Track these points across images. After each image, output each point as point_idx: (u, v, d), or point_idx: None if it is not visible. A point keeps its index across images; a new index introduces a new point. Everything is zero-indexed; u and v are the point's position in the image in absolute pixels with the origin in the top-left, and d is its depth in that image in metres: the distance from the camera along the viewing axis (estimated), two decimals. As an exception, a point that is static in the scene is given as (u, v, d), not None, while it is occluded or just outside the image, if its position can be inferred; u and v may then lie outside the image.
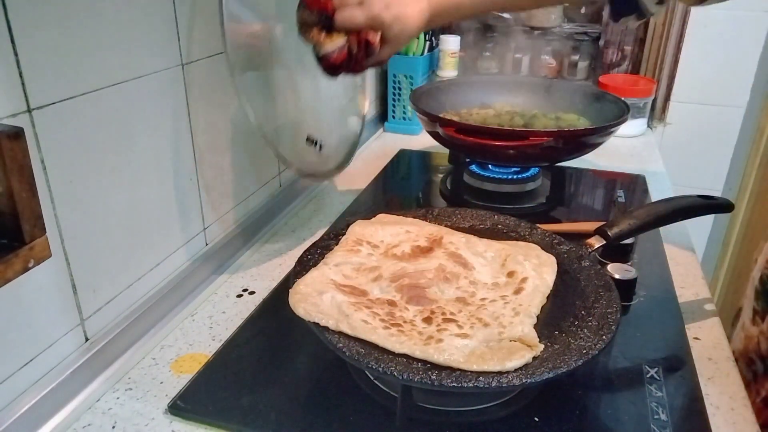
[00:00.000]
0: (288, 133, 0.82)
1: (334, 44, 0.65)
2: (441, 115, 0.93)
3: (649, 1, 0.70)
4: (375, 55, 0.68)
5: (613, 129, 0.88)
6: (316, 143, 0.82)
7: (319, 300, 0.53)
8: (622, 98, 0.98)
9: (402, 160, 1.16)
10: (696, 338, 0.64)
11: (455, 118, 0.98)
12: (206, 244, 0.75)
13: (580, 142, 0.89)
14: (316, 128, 0.85)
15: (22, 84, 0.46)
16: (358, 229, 0.66)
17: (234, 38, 0.67)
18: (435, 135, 0.93)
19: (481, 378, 0.45)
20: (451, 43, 1.30)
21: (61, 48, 0.49)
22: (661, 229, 0.82)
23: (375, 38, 0.66)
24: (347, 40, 0.66)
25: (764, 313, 0.62)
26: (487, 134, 0.85)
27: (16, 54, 0.45)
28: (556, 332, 0.52)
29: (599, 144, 0.91)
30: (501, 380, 0.45)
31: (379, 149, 1.21)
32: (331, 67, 0.67)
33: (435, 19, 0.72)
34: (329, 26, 0.66)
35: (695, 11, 1.28)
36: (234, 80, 0.65)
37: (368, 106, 0.91)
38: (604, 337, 0.50)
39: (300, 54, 0.72)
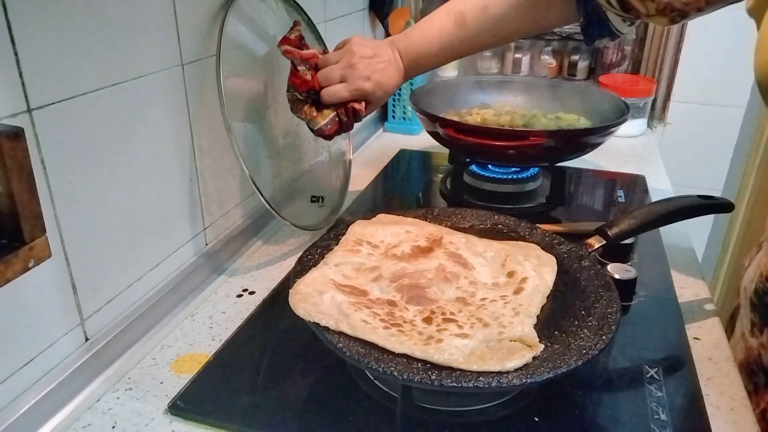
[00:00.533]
0: (287, 190, 0.88)
1: (326, 118, 0.74)
2: (441, 116, 0.93)
3: (619, 23, 0.72)
4: (362, 117, 0.76)
5: (613, 129, 0.88)
6: (320, 199, 0.88)
7: (319, 300, 0.53)
8: (622, 98, 0.98)
9: (402, 160, 1.16)
10: (696, 338, 0.64)
11: (455, 118, 0.98)
12: (206, 244, 0.75)
13: (580, 142, 0.89)
14: (314, 184, 0.92)
15: (22, 84, 0.46)
16: (358, 229, 0.66)
17: (231, 96, 0.71)
18: (435, 135, 0.93)
19: (481, 378, 0.45)
20: (451, 43, 1.30)
21: (61, 48, 0.49)
22: (661, 229, 0.82)
23: (360, 106, 0.75)
24: (336, 112, 0.74)
25: (762, 325, 0.62)
26: (486, 134, 0.85)
27: (16, 54, 0.45)
28: (556, 332, 0.52)
29: (599, 144, 0.91)
30: (501, 380, 0.45)
31: (379, 149, 1.21)
32: (326, 137, 0.76)
33: (410, 72, 0.79)
34: (317, 101, 0.74)
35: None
36: (231, 137, 0.68)
37: (352, 151, 0.99)
38: (604, 337, 0.50)
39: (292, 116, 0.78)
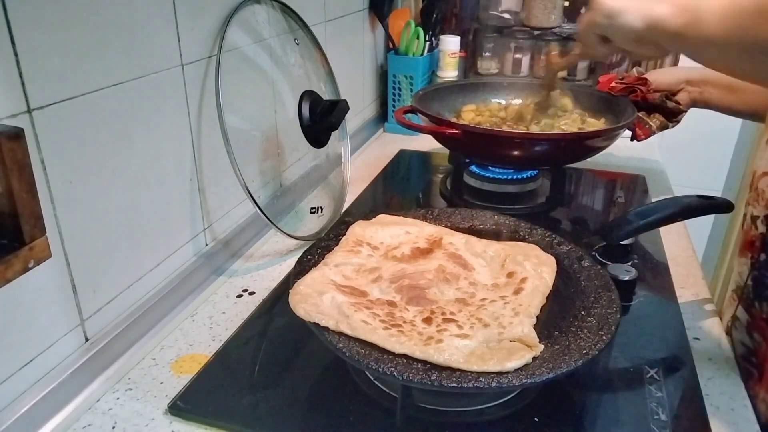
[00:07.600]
0: (285, 196, 0.89)
1: None
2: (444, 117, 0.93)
3: None
4: None
5: (618, 131, 0.87)
6: (319, 210, 0.89)
7: (319, 300, 0.53)
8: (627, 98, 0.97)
9: (402, 160, 1.16)
10: (696, 338, 0.64)
11: (453, 119, 0.98)
12: (206, 245, 0.75)
13: (585, 146, 0.88)
14: (313, 188, 0.93)
15: (22, 84, 0.46)
16: (359, 229, 0.66)
17: (229, 102, 0.70)
18: (436, 135, 0.93)
19: (481, 378, 0.45)
20: (451, 43, 1.30)
21: (61, 48, 0.49)
22: (661, 229, 0.82)
23: None
24: None
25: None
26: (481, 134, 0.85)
27: (16, 54, 0.45)
28: (556, 332, 0.52)
29: (606, 146, 0.90)
30: (501, 380, 0.45)
31: (379, 149, 1.21)
32: None
33: None
34: None
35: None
36: (228, 148, 0.68)
37: (350, 154, 0.99)
38: (604, 337, 0.50)
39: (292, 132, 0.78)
